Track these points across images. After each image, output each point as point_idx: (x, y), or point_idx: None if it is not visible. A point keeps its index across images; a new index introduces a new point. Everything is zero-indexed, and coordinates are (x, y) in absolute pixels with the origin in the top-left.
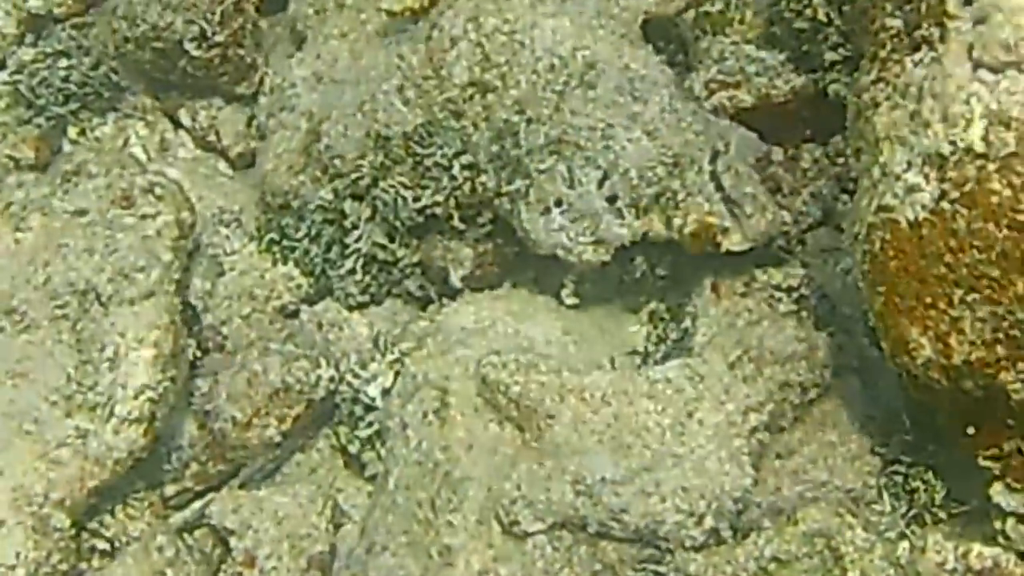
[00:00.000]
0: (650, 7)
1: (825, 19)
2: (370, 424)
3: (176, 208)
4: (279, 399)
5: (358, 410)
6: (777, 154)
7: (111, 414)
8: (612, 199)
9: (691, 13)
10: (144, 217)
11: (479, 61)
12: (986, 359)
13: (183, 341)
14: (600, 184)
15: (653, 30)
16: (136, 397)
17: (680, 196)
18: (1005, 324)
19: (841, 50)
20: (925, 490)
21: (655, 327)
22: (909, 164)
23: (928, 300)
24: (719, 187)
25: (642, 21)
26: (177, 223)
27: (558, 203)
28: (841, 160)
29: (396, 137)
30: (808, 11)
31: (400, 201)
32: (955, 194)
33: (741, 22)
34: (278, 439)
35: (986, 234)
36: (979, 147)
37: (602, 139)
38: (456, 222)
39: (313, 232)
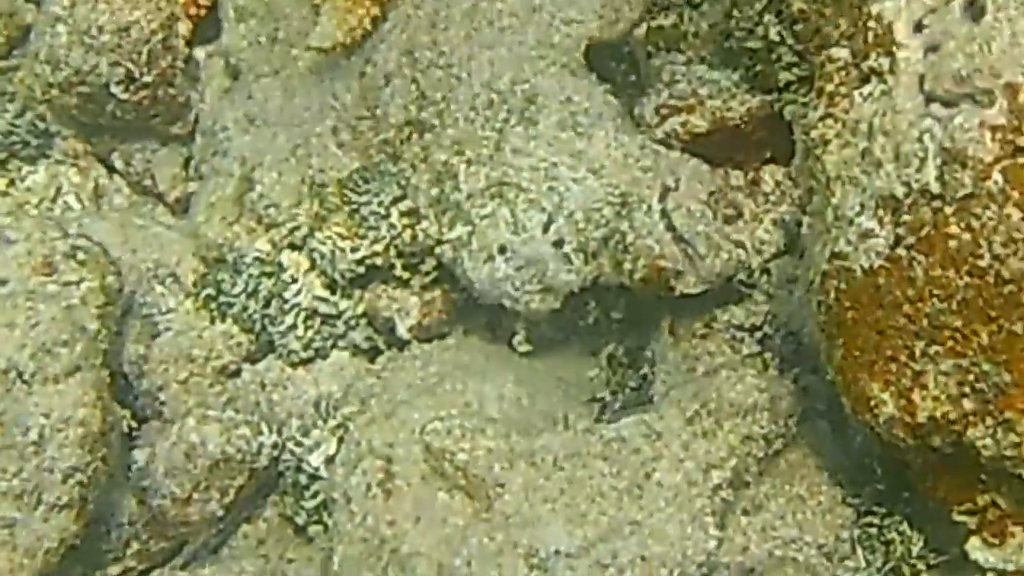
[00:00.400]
0: (593, 32)
1: (777, 38)
2: (315, 494)
3: (101, 273)
4: (220, 471)
5: (303, 479)
6: (736, 178)
7: (39, 501)
8: (558, 243)
9: (643, 28)
10: (67, 284)
11: (415, 99)
12: (952, 415)
13: (113, 417)
14: (545, 228)
15: (599, 53)
16: (65, 481)
17: (629, 239)
18: (970, 377)
19: (796, 70)
20: (901, 541)
21: (613, 373)
22: (862, 207)
23: (888, 353)
24: (670, 227)
25: (585, 47)
26: (102, 289)
27: (502, 250)
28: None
29: (331, 184)
30: (759, 29)
31: (338, 252)
32: (911, 239)
33: (695, 35)
34: (221, 513)
35: (946, 281)
36: (934, 188)
37: (545, 180)
38: (399, 271)
39: (251, 287)
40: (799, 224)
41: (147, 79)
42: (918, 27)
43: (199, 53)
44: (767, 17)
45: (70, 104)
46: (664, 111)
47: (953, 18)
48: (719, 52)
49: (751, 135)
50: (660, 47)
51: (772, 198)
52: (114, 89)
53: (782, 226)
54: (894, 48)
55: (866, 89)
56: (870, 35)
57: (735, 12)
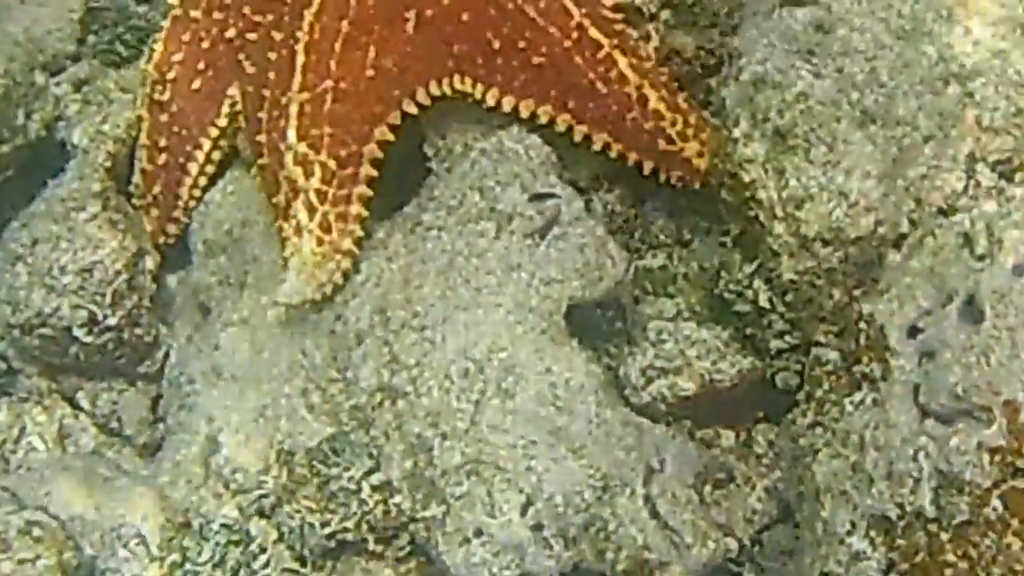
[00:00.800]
0: (574, 292)
1: (768, 305)
2: None
3: (58, 549)
4: None
5: None
6: (727, 438)
7: None
8: (537, 527)
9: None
10: (22, 562)
11: (387, 362)
12: None
13: None
14: (523, 511)
15: (581, 312)
16: None
17: (611, 526)
18: None
19: (788, 338)
20: None
21: None
22: (853, 526)
23: None
24: (654, 514)
25: (567, 309)
26: (59, 566)
27: (478, 533)
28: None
29: (300, 453)
30: (749, 293)
31: (307, 527)
32: (905, 565)
33: (685, 277)
34: None
35: None
36: (930, 512)
37: (524, 459)
38: (372, 544)
39: (217, 556)
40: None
41: (111, 322)
42: (912, 332)
43: (170, 280)
44: (756, 282)
45: (32, 345)
46: (651, 373)
47: (950, 324)
48: (709, 302)
49: (742, 397)
50: (648, 291)
51: (765, 460)
52: (77, 332)
53: (775, 494)
54: (887, 354)
55: (857, 396)
56: (861, 337)
57: (723, 274)
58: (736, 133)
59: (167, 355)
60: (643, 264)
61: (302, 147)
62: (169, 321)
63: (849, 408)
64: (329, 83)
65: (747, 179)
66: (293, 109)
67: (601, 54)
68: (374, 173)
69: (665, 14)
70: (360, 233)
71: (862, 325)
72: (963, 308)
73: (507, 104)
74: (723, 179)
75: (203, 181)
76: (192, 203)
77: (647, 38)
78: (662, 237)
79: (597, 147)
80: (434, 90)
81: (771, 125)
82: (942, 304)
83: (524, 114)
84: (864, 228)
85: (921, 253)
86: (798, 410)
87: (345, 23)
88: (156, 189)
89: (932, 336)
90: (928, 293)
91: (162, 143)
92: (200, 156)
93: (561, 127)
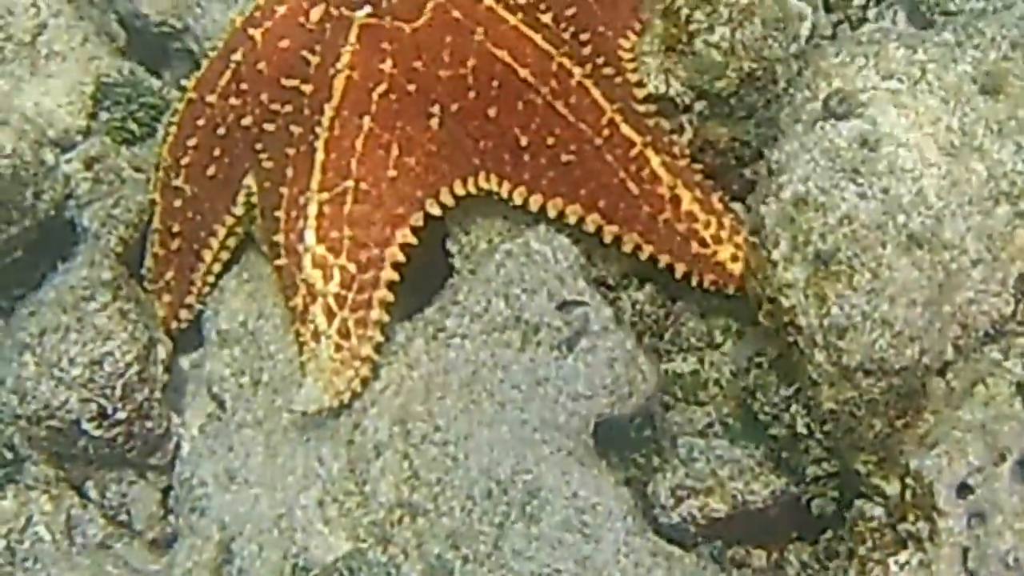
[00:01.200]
0: (603, 409)
1: (805, 431)
2: None
3: None
4: None
5: None
6: (759, 558)
7: None
8: None
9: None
10: None
11: (407, 478)
12: None
13: None
14: None
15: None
16: None
17: None
18: None
19: (825, 464)
20: None
21: None
22: None
23: None
24: None
25: (594, 426)
26: None
27: None
28: (834, 563)
29: (315, 569)
30: (785, 417)
31: None
32: None
33: (717, 384)
34: None
35: None
36: None
37: None
38: None
39: None
40: None
41: (121, 416)
42: (962, 490)
43: (182, 361)
44: (794, 407)
45: (39, 436)
46: (680, 492)
47: (1002, 485)
48: (742, 415)
49: (775, 516)
50: (678, 397)
51: None
52: (86, 425)
53: None
54: (934, 514)
55: (903, 557)
56: (907, 493)
57: (758, 395)
58: (776, 255)
59: (178, 445)
60: (673, 368)
61: (321, 249)
62: (180, 408)
63: (894, 568)
64: (350, 183)
65: (787, 304)
66: (312, 209)
67: (633, 152)
68: (395, 277)
69: (699, 105)
70: (380, 339)
71: (909, 481)
72: (1016, 468)
73: (534, 203)
74: (762, 303)
75: (217, 268)
76: (206, 289)
77: (680, 130)
78: (693, 340)
79: (627, 248)
80: (459, 190)
81: (813, 249)
82: (994, 462)
83: (552, 214)
84: (908, 358)
85: (972, 404)
86: (838, 564)
87: (367, 119)
88: (169, 275)
89: (983, 496)
90: (979, 450)
91: (175, 228)
92: (215, 243)
93: (590, 227)
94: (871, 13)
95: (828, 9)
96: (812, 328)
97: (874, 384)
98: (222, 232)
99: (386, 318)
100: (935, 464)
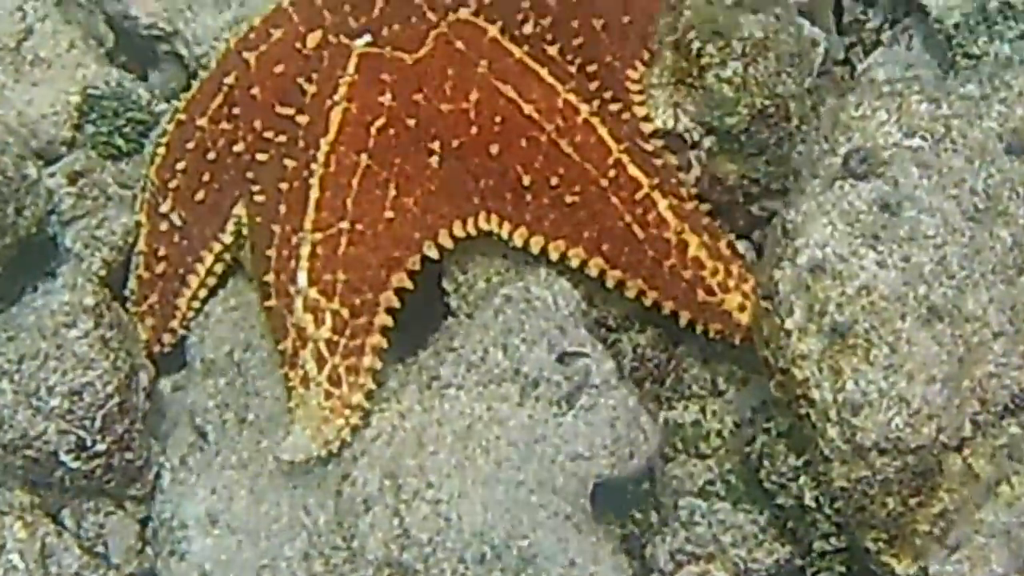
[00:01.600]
0: (602, 470)
1: (813, 504)
2: None
3: None
4: None
5: None
6: None
7: None
8: None
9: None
10: None
11: (397, 536)
12: None
13: None
14: None
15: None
16: None
17: None
18: None
19: (833, 540)
20: None
21: None
22: None
23: None
24: None
25: (592, 487)
26: None
27: None
28: None
29: None
30: (793, 487)
31: None
32: None
33: (719, 435)
34: None
35: None
36: None
37: None
38: None
39: None
40: None
41: (101, 448)
42: None
43: (163, 384)
44: (803, 478)
45: (15, 464)
46: (680, 557)
47: None
48: (745, 473)
49: None
50: (678, 448)
51: None
52: (64, 457)
53: None
54: None
55: None
56: None
57: (765, 464)
58: (789, 324)
59: (158, 475)
60: (674, 418)
61: (313, 292)
62: (160, 434)
63: None
64: (345, 224)
65: (800, 377)
66: (305, 250)
67: (640, 194)
68: (389, 322)
69: (708, 141)
70: (372, 386)
71: None
72: None
73: (536, 246)
74: (774, 373)
75: (203, 293)
76: (190, 314)
77: (688, 167)
78: (695, 387)
79: (631, 294)
80: (458, 231)
81: (829, 320)
82: (1018, 570)
83: (554, 256)
84: (925, 437)
85: (996, 505)
86: None
87: (364, 156)
88: (153, 298)
89: None
90: (1003, 558)
91: (161, 252)
92: (201, 269)
93: (593, 271)
94: (885, 36)
95: (841, 32)
96: (826, 403)
97: (889, 463)
98: (209, 258)
99: (379, 365)
100: (956, 571)
